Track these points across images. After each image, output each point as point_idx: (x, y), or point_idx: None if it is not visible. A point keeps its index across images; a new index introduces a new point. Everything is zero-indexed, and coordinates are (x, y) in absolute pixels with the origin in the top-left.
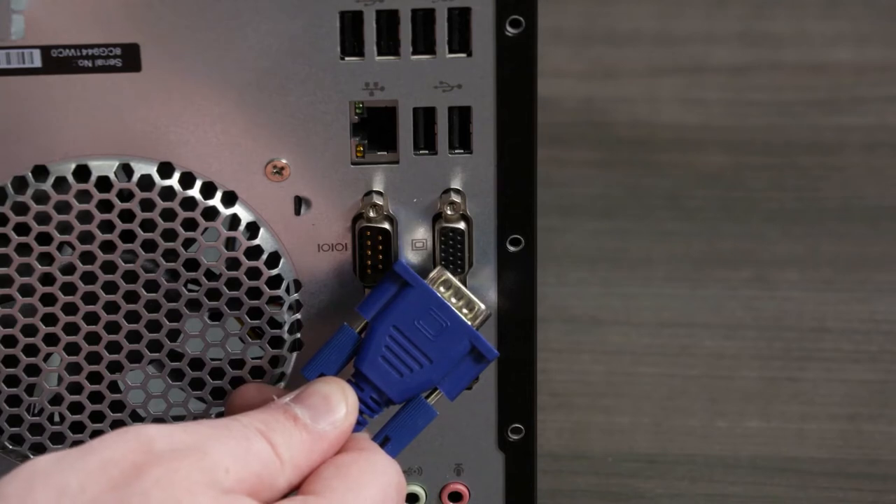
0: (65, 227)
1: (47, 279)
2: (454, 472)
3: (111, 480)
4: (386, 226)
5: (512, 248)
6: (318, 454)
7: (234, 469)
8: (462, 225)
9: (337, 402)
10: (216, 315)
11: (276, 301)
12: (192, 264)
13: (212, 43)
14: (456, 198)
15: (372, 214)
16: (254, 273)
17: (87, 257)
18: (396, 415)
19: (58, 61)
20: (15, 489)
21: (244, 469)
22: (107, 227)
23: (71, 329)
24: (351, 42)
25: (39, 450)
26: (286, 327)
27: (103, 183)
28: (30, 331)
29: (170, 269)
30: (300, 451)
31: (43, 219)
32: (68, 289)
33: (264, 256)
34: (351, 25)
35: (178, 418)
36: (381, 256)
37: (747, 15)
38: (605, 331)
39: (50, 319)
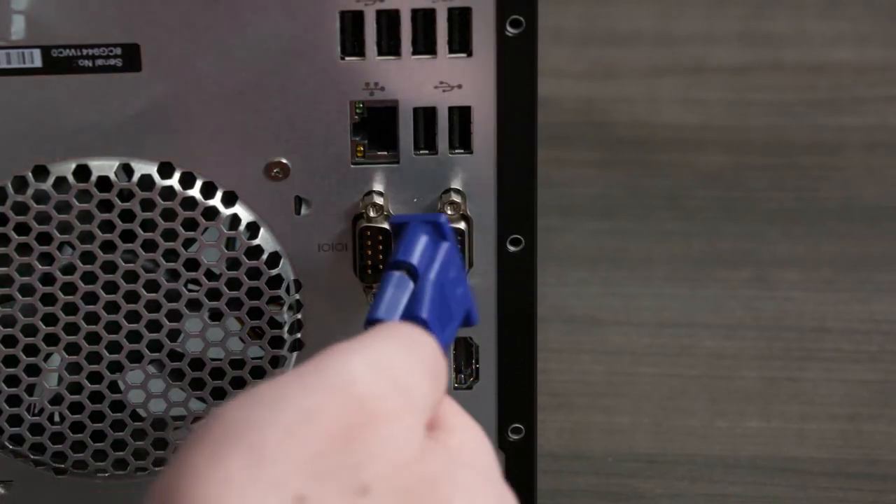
0: (65, 227)
1: (48, 279)
2: None
3: (319, 446)
4: (386, 226)
5: (512, 248)
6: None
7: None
8: (462, 225)
9: None
10: (216, 315)
11: (276, 301)
12: (192, 264)
13: (212, 43)
14: (456, 198)
15: (372, 214)
16: (254, 273)
17: (88, 257)
18: None
19: (58, 61)
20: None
21: (432, 398)
22: (107, 226)
23: (71, 329)
24: (351, 42)
25: (39, 450)
26: (286, 327)
27: (103, 183)
28: (30, 331)
29: (170, 268)
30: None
31: (43, 219)
32: (68, 289)
33: (264, 256)
34: (351, 25)
35: (179, 419)
36: (381, 256)
37: (747, 15)
38: (605, 331)
39: (50, 319)
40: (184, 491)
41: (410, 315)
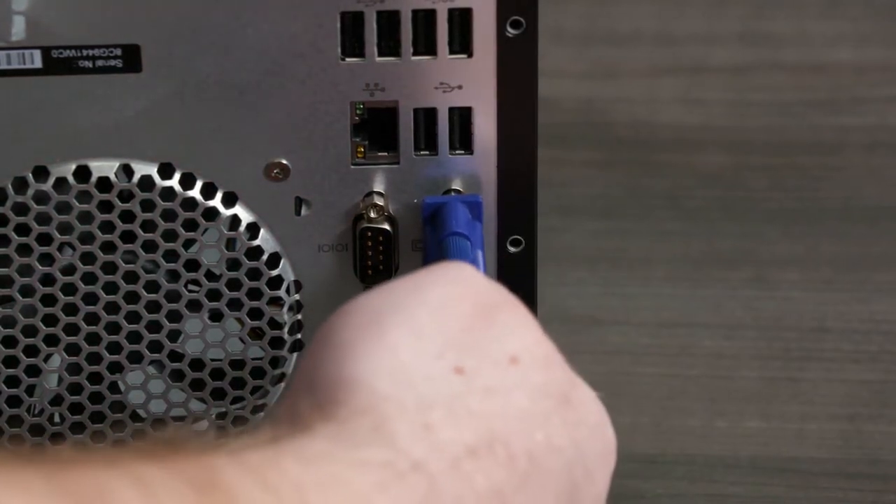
0: (65, 228)
1: (48, 280)
2: None
3: (465, 324)
4: (386, 226)
5: (512, 249)
6: None
7: None
8: None
9: None
10: (216, 316)
11: (276, 302)
12: (192, 265)
13: (212, 43)
14: None
15: (372, 215)
16: (254, 274)
17: (88, 258)
18: None
19: (58, 62)
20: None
21: None
22: (107, 227)
23: (71, 330)
24: (351, 42)
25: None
26: (286, 328)
27: (104, 183)
28: (30, 331)
29: (170, 269)
30: None
31: (43, 219)
32: (69, 289)
33: (265, 257)
34: (351, 26)
35: (179, 419)
36: (381, 257)
37: (747, 15)
38: (604, 331)
39: (50, 320)
40: (352, 362)
41: None
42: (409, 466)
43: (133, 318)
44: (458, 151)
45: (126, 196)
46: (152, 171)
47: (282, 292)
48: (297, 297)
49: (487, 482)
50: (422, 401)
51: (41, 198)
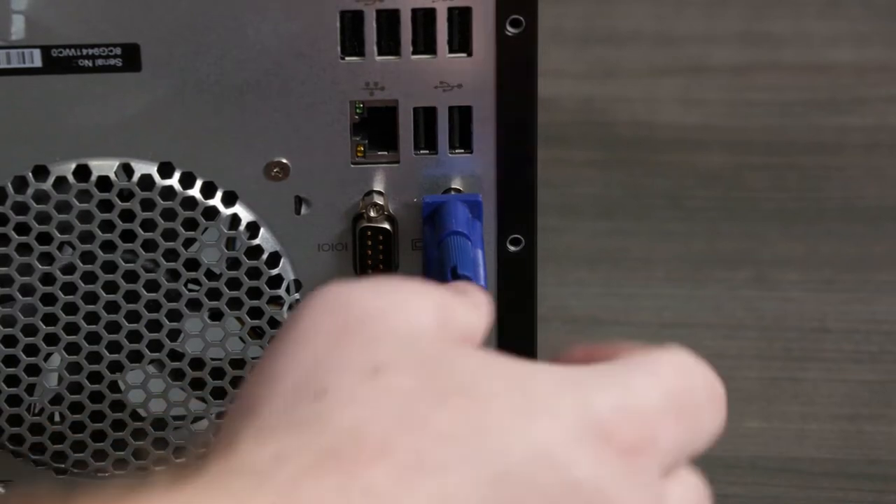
0: (65, 227)
1: (48, 279)
2: None
3: (324, 349)
4: (386, 226)
5: (512, 248)
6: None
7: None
8: None
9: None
10: (216, 315)
11: (276, 301)
12: (192, 264)
13: (212, 43)
14: None
15: (372, 214)
16: (254, 273)
17: (88, 257)
18: None
19: (58, 61)
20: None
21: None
22: (107, 226)
23: (71, 329)
24: (351, 42)
25: (39, 450)
26: None
27: (103, 183)
28: (30, 330)
29: (170, 268)
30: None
31: (43, 218)
32: (69, 288)
33: (264, 256)
34: (351, 25)
35: (179, 418)
36: (381, 256)
37: (747, 15)
38: (605, 331)
39: (50, 319)
40: (231, 428)
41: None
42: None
43: (133, 317)
44: (457, 151)
45: (126, 195)
46: (152, 170)
47: (282, 291)
48: (296, 296)
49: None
50: (280, 452)
51: (41, 197)
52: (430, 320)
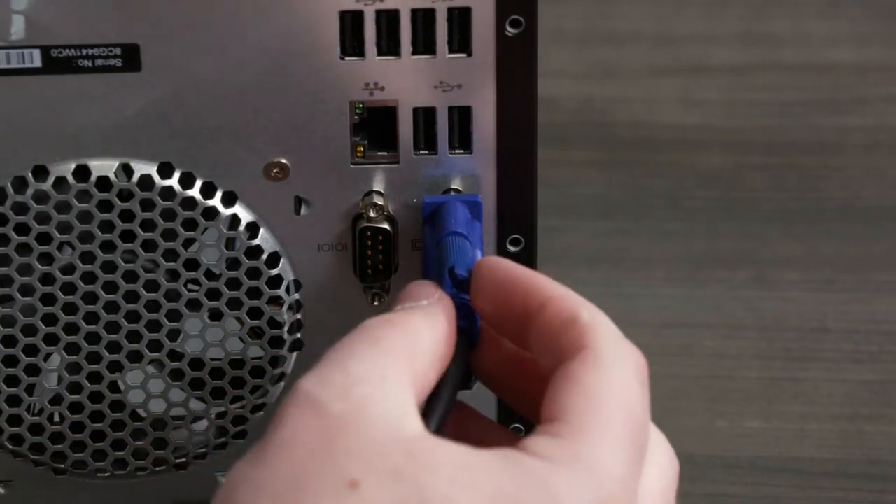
0: (65, 227)
1: (47, 279)
2: None
3: (303, 464)
4: (386, 226)
5: (512, 249)
6: (438, 325)
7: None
8: None
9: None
10: (216, 315)
11: (276, 301)
12: (192, 264)
13: (212, 43)
14: None
15: (372, 214)
16: (254, 273)
17: (87, 257)
18: None
19: (58, 61)
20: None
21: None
22: (107, 226)
23: (71, 329)
24: (351, 42)
25: (39, 450)
26: (286, 327)
27: (103, 183)
28: (30, 331)
29: (170, 268)
30: (428, 334)
31: (43, 219)
32: (68, 288)
33: (264, 256)
34: (351, 25)
35: (178, 419)
36: (381, 257)
37: (747, 15)
38: None
39: (50, 319)
40: None
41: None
42: None
43: (133, 317)
44: (457, 151)
45: (125, 195)
46: (152, 170)
47: (281, 291)
48: (296, 296)
49: None
50: None
51: (41, 197)
52: (400, 406)
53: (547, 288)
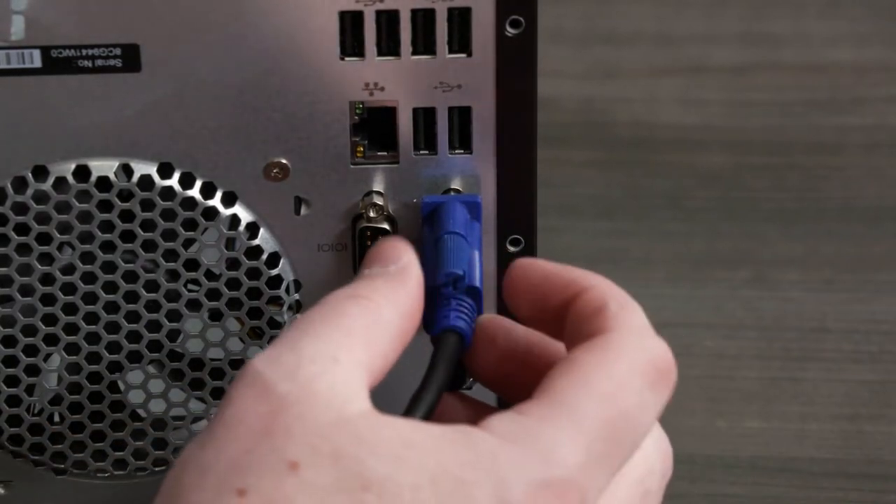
0: (65, 227)
1: (47, 279)
2: None
3: (246, 445)
4: (386, 226)
5: (512, 249)
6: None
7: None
8: None
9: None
10: (216, 315)
11: (276, 301)
12: (191, 264)
13: (212, 43)
14: None
15: (372, 214)
16: (254, 273)
17: (87, 257)
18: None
19: (58, 61)
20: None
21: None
22: (107, 227)
23: (71, 329)
24: (351, 42)
25: (39, 450)
26: (286, 327)
27: (103, 183)
28: (30, 331)
29: (170, 269)
30: (392, 299)
31: (43, 219)
32: (68, 289)
33: (264, 256)
34: (351, 25)
35: (178, 419)
36: None
37: (747, 15)
38: None
39: (50, 319)
40: None
41: (472, 284)
42: None
43: (132, 317)
44: (457, 151)
45: (125, 195)
46: (152, 170)
47: (281, 292)
48: (296, 296)
49: None
50: None
51: (41, 197)
52: (350, 385)
53: (582, 279)
